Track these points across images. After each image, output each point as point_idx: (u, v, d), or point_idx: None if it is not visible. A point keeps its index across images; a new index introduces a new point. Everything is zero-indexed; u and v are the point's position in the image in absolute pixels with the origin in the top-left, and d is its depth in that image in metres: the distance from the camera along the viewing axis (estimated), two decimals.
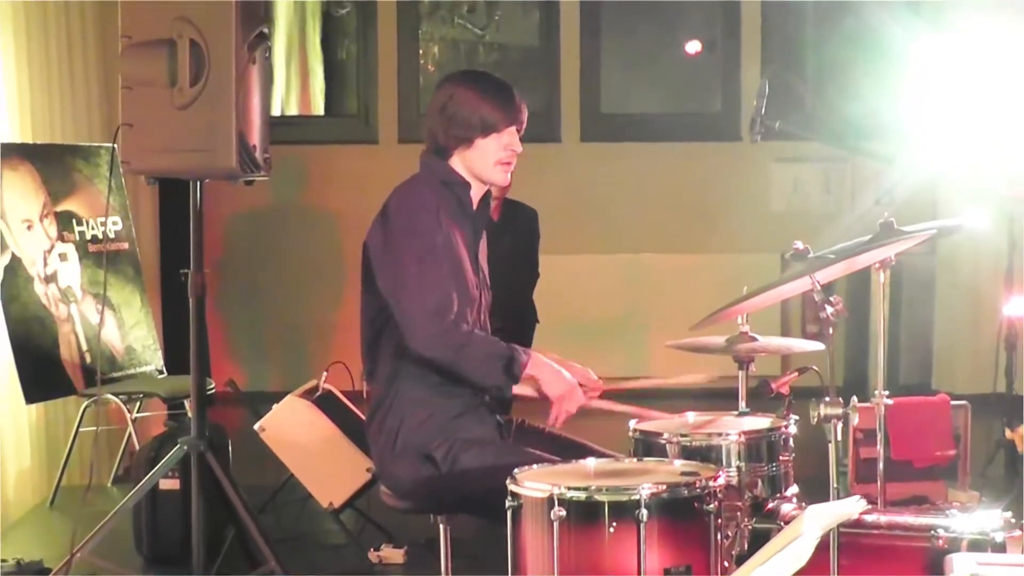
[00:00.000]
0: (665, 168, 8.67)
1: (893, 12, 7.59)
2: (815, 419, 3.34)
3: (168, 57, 4.21)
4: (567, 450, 3.61)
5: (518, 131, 3.73)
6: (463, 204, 3.73)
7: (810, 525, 2.69)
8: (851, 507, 2.91)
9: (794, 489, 3.62)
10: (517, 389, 3.62)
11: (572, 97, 8.71)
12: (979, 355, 7.18)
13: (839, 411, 3.32)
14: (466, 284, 3.69)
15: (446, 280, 3.58)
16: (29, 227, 6.08)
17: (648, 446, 3.56)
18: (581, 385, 3.76)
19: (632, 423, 3.65)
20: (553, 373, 3.61)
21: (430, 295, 3.54)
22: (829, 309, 3.47)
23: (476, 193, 3.76)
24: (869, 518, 3.37)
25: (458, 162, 3.72)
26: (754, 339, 3.78)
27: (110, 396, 6.17)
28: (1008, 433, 5.77)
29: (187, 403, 5.77)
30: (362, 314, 3.74)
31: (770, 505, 3.52)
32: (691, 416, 3.78)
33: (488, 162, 3.71)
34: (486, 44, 9.19)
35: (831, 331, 3.48)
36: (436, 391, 3.64)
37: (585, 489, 3.07)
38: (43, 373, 5.96)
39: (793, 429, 3.62)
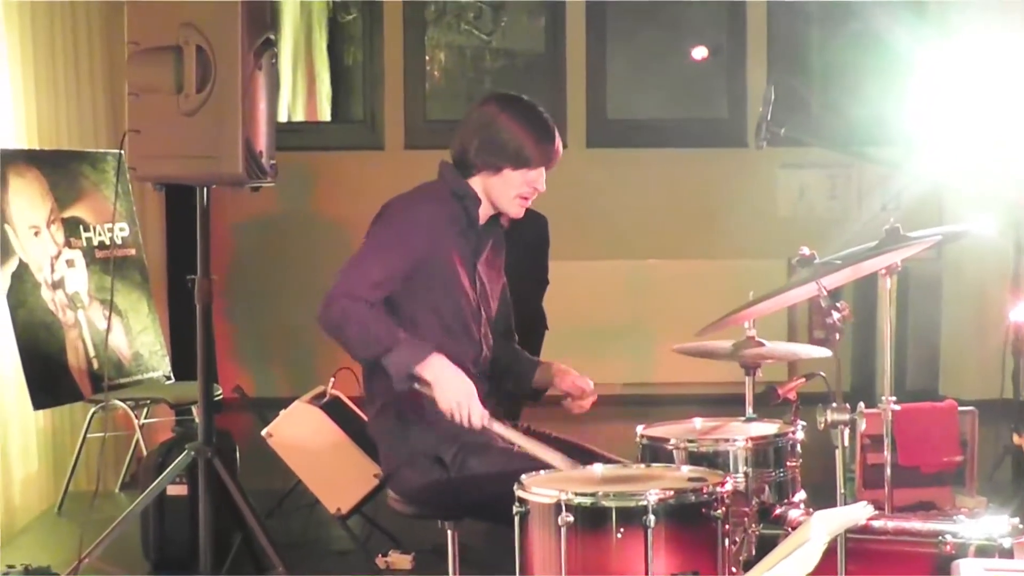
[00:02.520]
0: (671, 174, 8.66)
1: (899, 17, 7.60)
2: (822, 425, 3.34)
3: (174, 63, 4.21)
4: (574, 456, 3.60)
5: (547, 170, 3.72)
6: (470, 218, 3.72)
7: (817, 531, 2.69)
8: (858, 513, 2.92)
9: (801, 495, 3.62)
10: (421, 388, 3.50)
11: (578, 103, 8.70)
12: (986, 360, 7.17)
13: (846, 417, 3.32)
14: (463, 297, 3.69)
15: (384, 279, 3.56)
16: (36, 233, 6.09)
17: (655, 452, 3.56)
18: (568, 395, 3.78)
19: (639, 428, 3.66)
20: (447, 381, 3.48)
21: (355, 275, 3.54)
22: (836, 315, 3.48)
23: (485, 209, 3.75)
24: (876, 524, 3.37)
25: (478, 182, 3.71)
26: (761, 345, 3.78)
27: (117, 402, 6.16)
28: (1015, 438, 5.76)
29: (194, 409, 5.78)
30: None
31: (777, 511, 3.52)
32: (698, 422, 3.78)
33: (509, 193, 3.70)
34: (492, 50, 9.20)
35: (838, 337, 3.49)
36: None
37: (592, 495, 3.07)
38: (50, 379, 5.96)
39: (800, 435, 3.62)
